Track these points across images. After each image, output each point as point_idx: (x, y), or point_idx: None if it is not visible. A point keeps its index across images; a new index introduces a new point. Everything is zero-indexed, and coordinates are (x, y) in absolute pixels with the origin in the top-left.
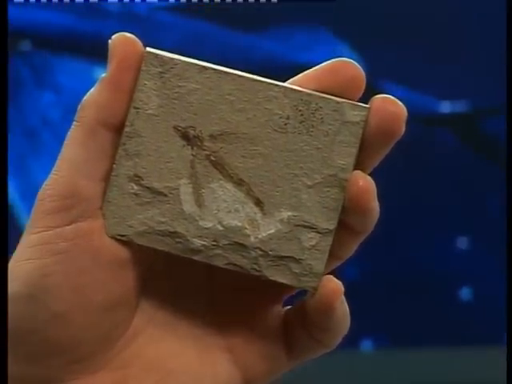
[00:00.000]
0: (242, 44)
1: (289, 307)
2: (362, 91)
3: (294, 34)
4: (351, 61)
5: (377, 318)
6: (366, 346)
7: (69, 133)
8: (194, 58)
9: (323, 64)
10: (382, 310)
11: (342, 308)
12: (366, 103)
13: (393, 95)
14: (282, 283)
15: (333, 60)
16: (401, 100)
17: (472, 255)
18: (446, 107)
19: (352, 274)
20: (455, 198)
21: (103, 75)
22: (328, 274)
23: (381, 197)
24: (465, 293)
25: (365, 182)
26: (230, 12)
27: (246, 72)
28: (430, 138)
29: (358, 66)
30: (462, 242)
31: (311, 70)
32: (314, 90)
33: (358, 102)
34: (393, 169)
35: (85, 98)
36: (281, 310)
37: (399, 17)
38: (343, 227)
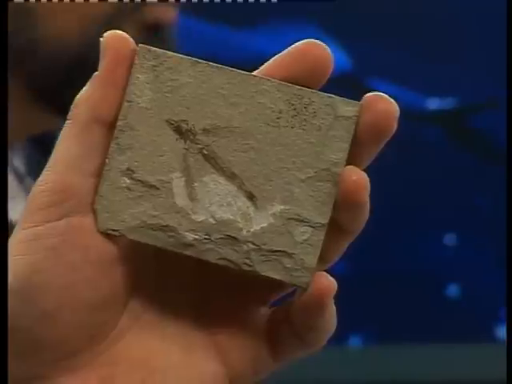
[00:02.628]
0: (231, 41)
1: (276, 307)
2: (331, 71)
3: (283, 31)
4: (316, 41)
5: (365, 314)
6: (355, 342)
7: (62, 130)
8: (183, 54)
9: (289, 48)
10: (370, 306)
11: (331, 307)
12: (355, 100)
13: (381, 92)
14: (273, 281)
15: (299, 42)
16: (389, 96)
17: (460, 252)
18: (433, 103)
19: (340, 270)
20: (443, 195)
21: (96, 72)
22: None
23: (370, 193)
24: (453, 289)
25: (359, 177)
26: (219, 10)
27: (236, 69)
28: (418, 135)
29: (325, 45)
30: (451, 239)
31: (277, 56)
32: (283, 78)
33: (344, 96)
34: (381, 165)
35: (78, 95)
36: (268, 310)
37: (387, 15)
38: (333, 227)
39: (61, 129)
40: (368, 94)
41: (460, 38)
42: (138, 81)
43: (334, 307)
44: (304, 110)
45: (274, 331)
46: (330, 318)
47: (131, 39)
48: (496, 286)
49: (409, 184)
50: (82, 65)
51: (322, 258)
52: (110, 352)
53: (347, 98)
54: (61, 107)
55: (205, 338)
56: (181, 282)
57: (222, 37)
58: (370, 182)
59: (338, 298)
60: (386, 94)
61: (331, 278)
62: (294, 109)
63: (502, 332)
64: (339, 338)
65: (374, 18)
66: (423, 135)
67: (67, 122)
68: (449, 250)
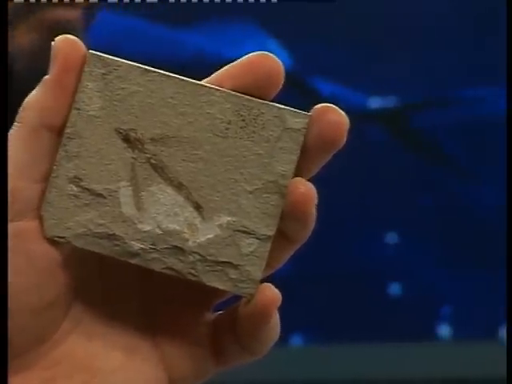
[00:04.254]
0: (171, 39)
1: (219, 312)
2: (282, 83)
3: (224, 29)
4: (269, 54)
5: (307, 313)
6: (296, 341)
7: (11, 132)
8: (126, 56)
9: (242, 59)
10: (312, 305)
11: (275, 316)
12: (297, 100)
13: (323, 91)
14: (218, 289)
15: (251, 54)
16: (331, 96)
17: (402, 251)
18: (375, 103)
19: (281, 270)
20: (384, 193)
21: (46, 77)
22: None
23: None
24: (395, 288)
25: (306, 189)
26: (159, 7)
27: (176, 67)
28: (359, 134)
29: (276, 58)
30: (392, 237)
31: (228, 66)
32: (233, 88)
33: (293, 106)
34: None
35: (27, 99)
36: (211, 315)
37: (328, 13)
38: (279, 235)
39: None
40: (318, 106)
41: (401, 37)
42: (87, 89)
43: (278, 317)
44: (253, 121)
45: (216, 338)
46: (274, 328)
47: (82, 44)
48: (437, 284)
49: (350, 183)
50: None
51: (266, 265)
52: (52, 355)
53: (289, 97)
54: None
55: (147, 343)
56: (126, 288)
57: (163, 35)
58: (313, 181)
59: None
60: (327, 93)
61: (275, 290)
62: (243, 120)
63: (443, 330)
64: (281, 337)
65: (316, 16)
66: (365, 134)
67: (15, 124)
68: (390, 248)
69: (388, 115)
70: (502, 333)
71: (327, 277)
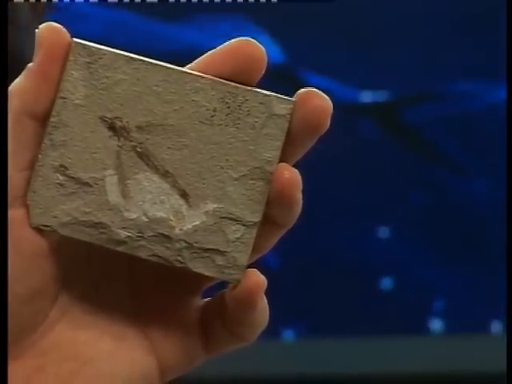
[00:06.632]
0: (163, 33)
1: (208, 299)
2: (264, 68)
3: (215, 23)
4: (250, 39)
5: (298, 307)
6: (288, 335)
7: None
8: (115, 48)
9: (223, 45)
10: (303, 299)
11: (262, 302)
12: (289, 94)
13: (314, 85)
14: (205, 275)
15: (232, 40)
16: (322, 89)
17: (393, 245)
18: (367, 97)
19: (273, 263)
20: (376, 188)
21: (30, 65)
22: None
23: (303, 186)
24: (386, 282)
25: (290, 174)
26: (151, 1)
27: (168, 61)
28: (351, 128)
29: (258, 44)
30: (384, 232)
31: (210, 52)
32: (216, 74)
33: (277, 92)
34: (314, 158)
35: (10, 87)
36: (200, 301)
37: (319, 6)
38: (265, 220)
39: None
40: (301, 90)
41: (394, 31)
42: (71, 77)
43: (266, 302)
44: (238, 108)
45: (205, 324)
46: (262, 313)
47: (67, 32)
48: (429, 279)
49: (342, 177)
50: None
51: (253, 250)
52: (41, 343)
53: (281, 91)
54: None
55: (136, 331)
56: (114, 276)
57: (155, 29)
58: (305, 175)
59: (270, 292)
60: (318, 86)
61: (261, 275)
62: (228, 107)
63: (435, 325)
64: (272, 331)
65: (308, 11)
66: (357, 128)
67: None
68: (382, 243)
69: (380, 109)
70: (494, 327)
71: (320, 271)
